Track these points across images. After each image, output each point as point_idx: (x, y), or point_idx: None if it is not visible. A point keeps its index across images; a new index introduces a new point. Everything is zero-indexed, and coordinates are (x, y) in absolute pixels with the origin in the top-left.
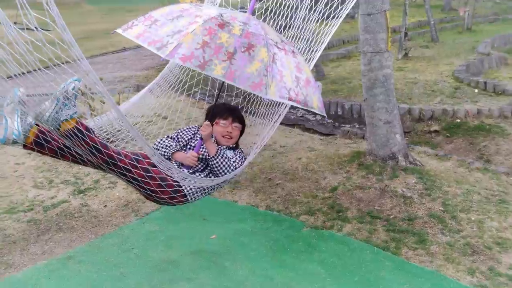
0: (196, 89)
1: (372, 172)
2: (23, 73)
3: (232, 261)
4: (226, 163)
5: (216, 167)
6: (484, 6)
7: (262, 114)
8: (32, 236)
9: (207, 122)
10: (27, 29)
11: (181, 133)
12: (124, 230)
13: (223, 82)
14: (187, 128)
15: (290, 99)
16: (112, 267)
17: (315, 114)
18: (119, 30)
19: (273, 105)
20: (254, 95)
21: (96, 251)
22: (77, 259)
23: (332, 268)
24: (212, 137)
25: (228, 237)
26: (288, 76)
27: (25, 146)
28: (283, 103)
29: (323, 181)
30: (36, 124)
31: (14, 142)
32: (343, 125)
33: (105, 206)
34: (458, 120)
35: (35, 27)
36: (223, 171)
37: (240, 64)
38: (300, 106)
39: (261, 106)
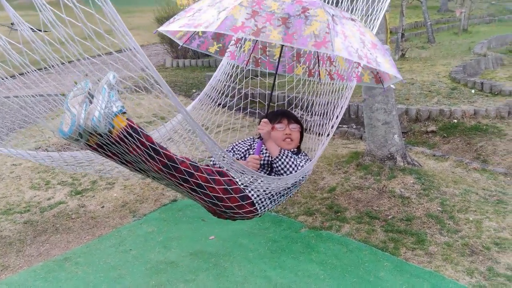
0: (244, 102)
1: (370, 172)
2: (63, 64)
3: (231, 262)
4: (293, 162)
5: (282, 168)
6: (479, 7)
7: (314, 124)
8: (29, 238)
9: (265, 120)
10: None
11: (237, 146)
12: (121, 231)
13: (272, 92)
14: (243, 141)
15: (359, 58)
16: (109, 268)
17: (311, 114)
18: (161, 29)
19: (328, 103)
20: (304, 100)
21: (93, 252)
22: (74, 261)
23: (331, 269)
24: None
25: (226, 238)
26: (352, 37)
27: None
28: (338, 101)
29: (322, 181)
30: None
31: (80, 137)
32: (340, 125)
33: (103, 207)
34: (455, 121)
35: (32, 28)
36: (290, 172)
37: (297, 26)
38: (373, 66)
39: (316, 106)
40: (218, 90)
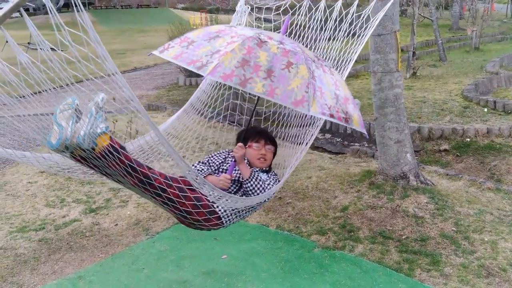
0: (224, 114)
1: (383, 191)
2: (55, 88)
3: (244, 282)
4: (261, 185)
5: (251, 189)
6: (491, 26)
7: (292, 136)
8: (43, 256)
9: (240, 144)
10: (41, 49)
11: (212, 158)
12: (134, 249)
13: (255, 108)
14: (218, 153)
15: (331, 116)
16: (122, 287)
17: (324, 132)
18: (155, 52)
19: (303, 126)
20: (282, 118)
21: (106, 271)
22: (87, 279)
23: None
24: (245, 159)
25: (239, 257)
26: (328, 93)
27: (73, 157)
28: (313, 123)
29: (334, 200)
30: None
31: (66, 149)
32: (352, 143)
33: (116, 225)
34: (468, 139)
35: (51, 48)
36: (258, 193)
37: (280, 81)
38: (342, 123)
39: (291, 128)
40: (202, 101)
